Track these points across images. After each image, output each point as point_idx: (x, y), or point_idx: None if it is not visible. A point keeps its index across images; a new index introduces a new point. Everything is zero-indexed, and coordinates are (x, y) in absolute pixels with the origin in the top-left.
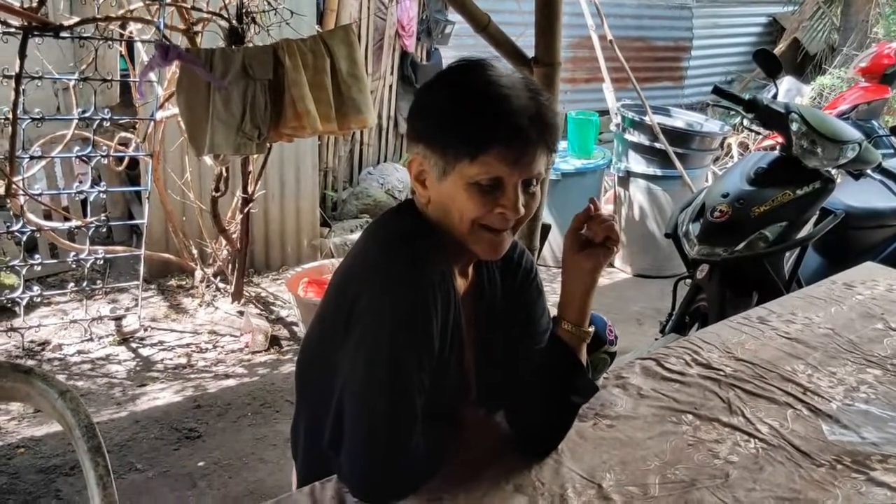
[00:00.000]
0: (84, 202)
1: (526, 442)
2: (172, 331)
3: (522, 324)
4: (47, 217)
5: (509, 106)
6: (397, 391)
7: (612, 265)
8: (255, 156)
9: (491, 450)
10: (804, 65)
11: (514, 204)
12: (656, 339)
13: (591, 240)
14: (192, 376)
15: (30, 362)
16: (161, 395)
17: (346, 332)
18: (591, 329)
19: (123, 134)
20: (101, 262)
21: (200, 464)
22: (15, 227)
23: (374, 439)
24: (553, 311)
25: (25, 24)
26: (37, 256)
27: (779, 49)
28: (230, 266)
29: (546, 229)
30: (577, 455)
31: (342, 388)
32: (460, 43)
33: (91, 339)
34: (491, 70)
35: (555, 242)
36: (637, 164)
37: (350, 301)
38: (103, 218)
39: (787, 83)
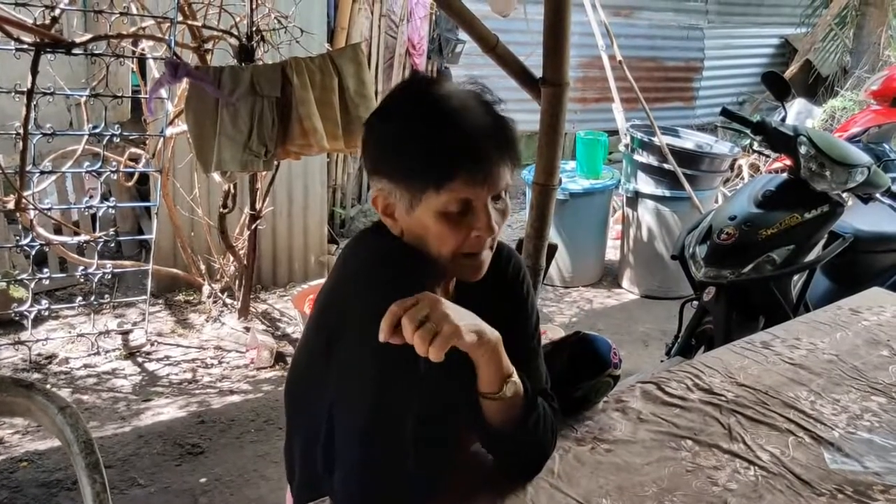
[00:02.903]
0: (94, 217)
1: (504, 467)
2: (178, 346)
3: (508, 337)
4: (57, 231)
5: (466, 127)
6: (385, 415)
7: (619, 286)
8: (263, 172)
9: (485, 474)
10: (816, 87)
11: (487, 225)
12: (662, 362)
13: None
14: (197, 392)
15: (36, 375)
16: (165, 411)
17: (331, 358)
18: (511, 379)
19: (133, 150)
20: (110, 276)
21: (202, 480)
22: (24, 241)
23: (366, 464)
24: (548, 323)
25: (38, 40)
26: (46, 270)
27: (791, 71)
28: (237, 282)
29: (553, 249)
30: (574, 479)
31: (329, 412)
32: (471, 62)
33: (98, 353)
34: (438, 89)
35: (562, 262)
36: (646, 184)
37: (333, 326)
38: (112, 232)
39: (798, 105)
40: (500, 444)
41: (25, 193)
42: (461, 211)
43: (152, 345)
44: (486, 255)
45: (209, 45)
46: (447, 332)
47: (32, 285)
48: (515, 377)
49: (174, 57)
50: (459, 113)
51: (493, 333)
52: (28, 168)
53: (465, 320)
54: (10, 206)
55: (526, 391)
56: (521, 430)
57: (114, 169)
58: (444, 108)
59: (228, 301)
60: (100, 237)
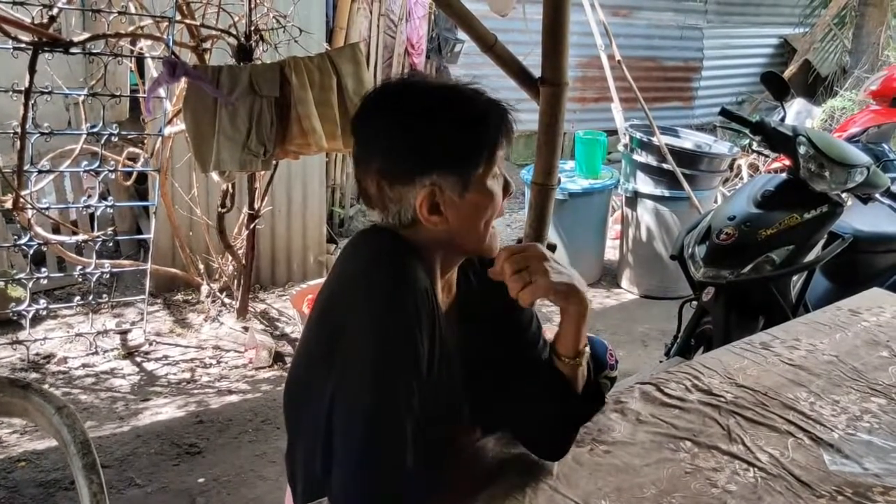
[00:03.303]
0: (92, 216)
1: (535, 450)
2: (177, 345)
3: (510, 334)
4: (56, 230)
5: (482, 102)
6: (386, 417)
7: (618, 286)
8: (262, 172)
9: (484, 475)
10: (815, 86)
11: (510, 180)
12: (660, 362)
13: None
14: (195, 391)
15: (34, 375)
16: (163, 410)
17: (332, 359)
18: (584, 352)
19: (132, 149)
20: (108, 275)
21: (200, 480)
22: (22, 241)
23: (365, 466)
24: (547, 323)
25: (36, 39)
26: (44, 269)
27: (790, 70)
28: (236, 282)
29: (551, 249)
30: (573, 481)
31: (329, 414)
32: (469, 61)
33: (96, 353)
34: (432, 80)
35: (561, 262)
36: (645, 184)
37: (333, 326)
38: (110, 232)
39: (798, 105)
40: (555, 407)
41: (23, 193)
42: (495, 177)
43: (150, 344)
44: None
45: (207, 45)
46: (538, 286)
47: (30, 285)
48: (588, 350)
49: (172, 56)
50: (470, 91)
51: (585, 296)
52: (26, 167)
53: (560, 278)
54: (8, 205)
55: (588, 366)
56: (584, 394)
57: (112, 168)
58: (459, 91)
59: (227, 301)
60: (98, 236)
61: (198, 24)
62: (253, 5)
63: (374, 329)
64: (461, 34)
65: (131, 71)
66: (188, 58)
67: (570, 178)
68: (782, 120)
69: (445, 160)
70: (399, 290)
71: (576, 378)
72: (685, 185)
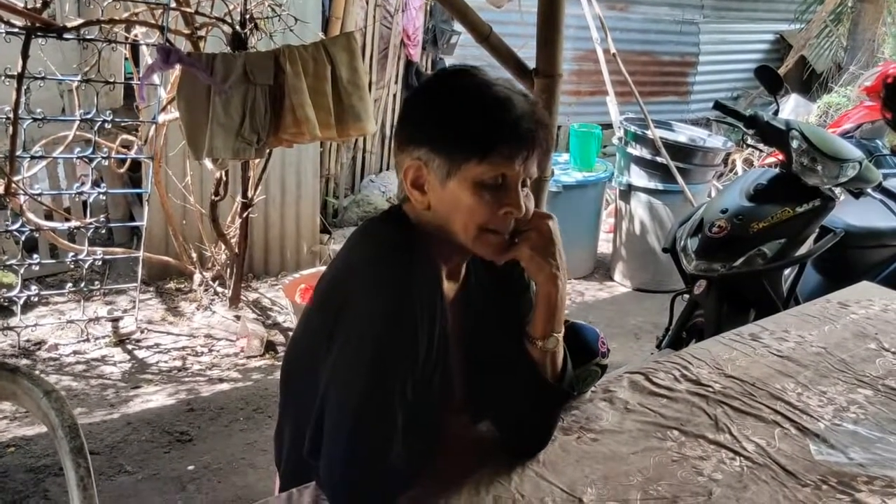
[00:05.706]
0: (85, 203)
1: (511, 444)
2: (169, 334)
3: (512, 329)
4: (48, 217)
5: (513, 107)
6: (379, 402)
7: (611, 279)
8: (256, 161)
9: (472, 460)
10: (811, 83)
11: (518, 202)
12: (652, 355)
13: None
14: (186, 379)
15: (25, 361)
16: (154, 398)
17: (331, 342)
18: (553, 338)
19: (125, 136)
20: (100, 263)
21: (190, 467)
22: (14, 227)
23: (354, 449)
24: None
25: (29, 24)
26: (36, 256)
27: (785, 66)
28: (228, 270)
29: None
30: (559, 468)
31: (323, 396)
32: (465, 53)
33: (87, 340)
34: (485, 75)
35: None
36: (639, 177)
37: (335, 310)
38: (103, 219)
39: (794, 101)
40: (529, 404)
41: (16, 178)
42: (495, 185)
43: (142, 332)
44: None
45: (202, 32)
46: (517, 248)
47: (22, 271)
48: (559, 337)
49: (167, 43)
50: (507, 93)
51: (559, 278)
52: (18, 153)
53: (547, 260)
54: (0, 190)
55: (565, 354)
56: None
57: (105, 155)
58: (492, 87)
59: (219, 289)
60: (91, 223)
61: (193, 11)
62: None
63: (375, 318)
64: (457, 25)
65: (126, 59)
66: (183, 45)
67: (565, 170)
68: (776, 114)
69: (440, 138)
70: (402, 280)
71: (544, 364)
72: (679, 178)
